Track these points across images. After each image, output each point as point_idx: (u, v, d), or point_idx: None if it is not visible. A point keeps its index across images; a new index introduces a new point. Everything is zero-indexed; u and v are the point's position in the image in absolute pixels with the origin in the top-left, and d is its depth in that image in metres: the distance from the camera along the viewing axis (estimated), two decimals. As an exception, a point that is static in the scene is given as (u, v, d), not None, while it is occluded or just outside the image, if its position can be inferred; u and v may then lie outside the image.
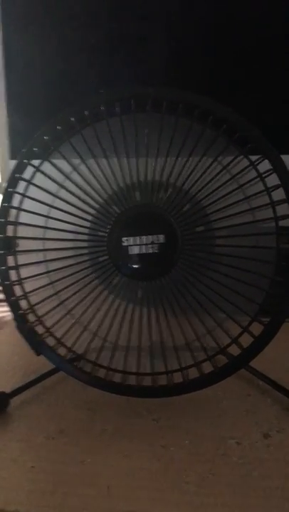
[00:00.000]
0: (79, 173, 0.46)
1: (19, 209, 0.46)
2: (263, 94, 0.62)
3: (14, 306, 0.48)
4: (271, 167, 0.44)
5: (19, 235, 0.47)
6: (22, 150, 0.46)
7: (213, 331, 0.46)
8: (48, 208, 0.46)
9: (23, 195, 0.46)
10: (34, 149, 0.46)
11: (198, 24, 0.62)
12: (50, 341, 0.48)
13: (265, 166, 0.44)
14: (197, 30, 0.62)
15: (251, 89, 0.62)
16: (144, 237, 0.44)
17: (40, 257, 0.47)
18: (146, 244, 0.45)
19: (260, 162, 0.44)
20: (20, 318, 0.48)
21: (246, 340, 0.45)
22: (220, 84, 0.62)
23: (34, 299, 0.47)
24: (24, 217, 0.47)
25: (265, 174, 0.44)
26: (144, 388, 0.46)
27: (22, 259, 0.47)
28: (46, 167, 0.46)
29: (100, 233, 0.46)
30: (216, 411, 0.48)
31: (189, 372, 0.46)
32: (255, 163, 0.44)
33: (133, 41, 0.63)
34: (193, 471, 0.39)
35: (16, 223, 0.47)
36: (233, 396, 0.51)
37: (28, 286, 0.47)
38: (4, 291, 0.48)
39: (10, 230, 0.47)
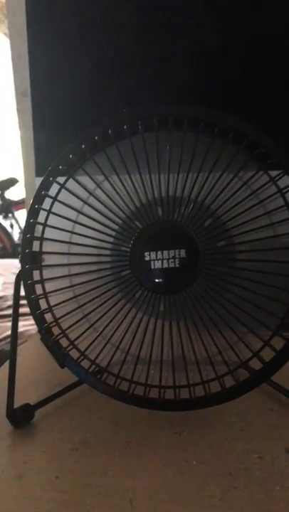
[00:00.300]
0: (102, 190, 0.47)
1: (45, 225, 0.48)
2: (284, 110, 0.63)
3: (39, 320, 0.49)
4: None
5: (44, 250, 0.48)
6: (49, 168, 0.48)
7: (235, 345, 0.46)
8: (72, 223, 0.48)
9: (49, 212, 0.48)
10: (60, 167, 0.47)
11: (222, 38, 0.63)
12: (74, 354, 0.49)
13: (285, 181, 0.45)
14: (220, 43, 0.63)
15: (273, 105, 0.63)
16: (166, 252, 0.45)
17: (64, 271, 0.48)
18: (168, 259, 0.45)
19: (280, 177, 0.45)
20: (45, 331, 0.49)
21: (268, 355, 0.46)
22: (241, 100, 0.63)
23: (58, 312, 0.49)
24: (49, 233, 0.48)
25: (286, 190, 0.45)
26: (167, 401, 0.47)
27: (47, 273, 0.48)
28: (71, 184, 0.48)
29: (123, 248, 0.47)
30: (238, 425, 0.48)
31: (211, 386, 0.47)
32: (276, 178, 0.45)
33: (158, 59, 0.64)
34: (216, 484, 0.39)
35: (41, 238, 0.48)
36: (255, 410, 0.50)
37: (53, 299, 0.49)
38: (30, 305, 0.49)
39: (36, 245, 0.48)
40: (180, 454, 0.43)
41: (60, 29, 0.66)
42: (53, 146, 0.65)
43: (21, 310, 0.52)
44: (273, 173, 0.45)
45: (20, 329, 0.79)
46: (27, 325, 1.02)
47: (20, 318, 0.79)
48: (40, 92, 0.67)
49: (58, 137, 0.65)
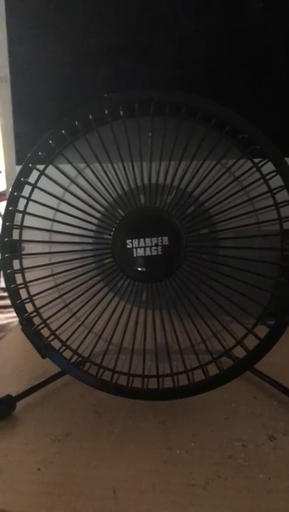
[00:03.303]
0: (84, 177, 0.46)
1: (24, 212, 0.47)
2: (267, 98, 0.63)
3: (20, 310, 0.48)
4: (274, 169, 0.44)
5: (25, 238, 0.47)
6: (28, 155, 0.47)
7: (218, 333, 0.46)
8: (53, 211, 0.47)
9: (28, 199, 0.47)
10: (39, 153, 0.46)
11: (202, 31, 0.63)
12: (56, 344, 0.48)
13: (268, 167, 0.44)
14: (201, 36, 0.63)
15: (255, 93, 0.63)
16: (148, 240, 0.45)
17: (45, 260, 0.47)
18: (150, 247, 0.45)
19: (263, 164, 0.44)
20: (25, 322, 0.48)
21: (252, 343, 0.45)
22: (224, 89, 0.62)
23: (39, 302, 0.48)
24: (30, 221, 0.47)
25: (269, 176, 0.44)
26: (150, 391, 0.46)
27: (27, 262, 0.47)
28: (52, 171, 0.47)
29: (105, 236, 0.46)
30: (222, 413, 0.48)
31: (195, 375, 0.46)
32: (259, 164, 0.44)
33: (138, 47, 0.64)
34: (200, 473, 0.39)
35: (21, 226, 0.47)
36: (239, 399, 0.50)
37: (34, 289, 0.48)
38: (10, 295, 0.48)
39: (15, 234, 0.47)
40: (164, 443, 0.43)
41: (40, 15, 0.65)
42: (34, 133, 0.64)
43: (5, 302, 0.51)
44: (257, 160, 0.45)
45: (3, 321, 0.78)
46: (10, 317, 1.01)
47: (3, 310, 0.78)
48: (20, 79, 0.66)
49: (39, 124, 0.64)
